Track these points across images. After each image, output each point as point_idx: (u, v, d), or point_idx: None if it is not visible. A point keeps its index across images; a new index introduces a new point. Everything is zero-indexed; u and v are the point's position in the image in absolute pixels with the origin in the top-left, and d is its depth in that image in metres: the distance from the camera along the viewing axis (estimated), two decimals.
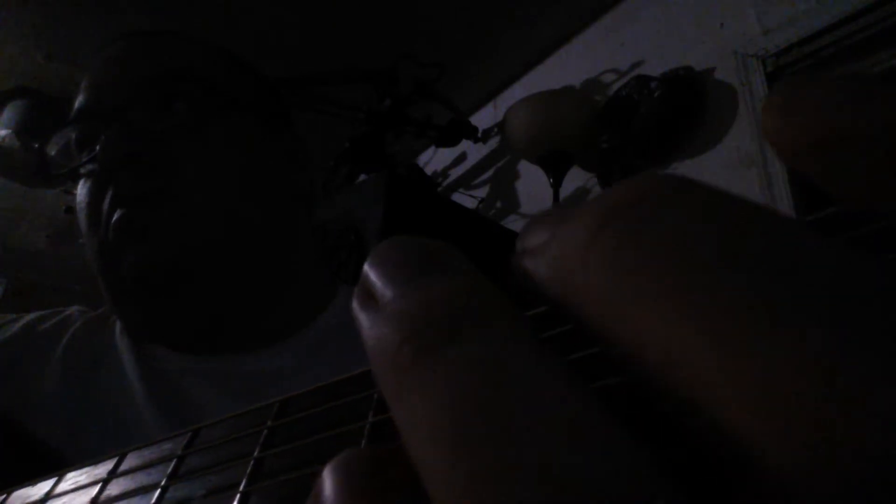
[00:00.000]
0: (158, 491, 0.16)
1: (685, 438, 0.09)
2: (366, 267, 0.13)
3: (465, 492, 0.09)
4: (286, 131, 0.59)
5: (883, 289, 0.08)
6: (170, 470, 0.17)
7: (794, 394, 0.08)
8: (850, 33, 1.26)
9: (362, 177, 1.67)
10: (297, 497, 0.14)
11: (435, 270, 0.12)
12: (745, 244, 0.09)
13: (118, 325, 0.55)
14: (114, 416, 0.48)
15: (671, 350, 0.09)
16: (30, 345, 0.54)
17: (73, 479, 0.20)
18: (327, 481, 0.12)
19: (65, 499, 0.19)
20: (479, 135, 1.88)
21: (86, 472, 0.19)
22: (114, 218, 0.47)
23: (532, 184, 1.79)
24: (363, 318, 0.12)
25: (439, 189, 2.00)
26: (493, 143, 1.98)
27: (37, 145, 0.55)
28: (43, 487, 0.20)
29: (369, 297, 0.12)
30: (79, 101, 0.52)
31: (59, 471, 0.21)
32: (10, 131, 1.82)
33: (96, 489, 0.18)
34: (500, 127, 1.87)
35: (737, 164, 1.35)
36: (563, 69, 1.83)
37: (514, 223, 1.79)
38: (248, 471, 0.15)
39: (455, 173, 2.10)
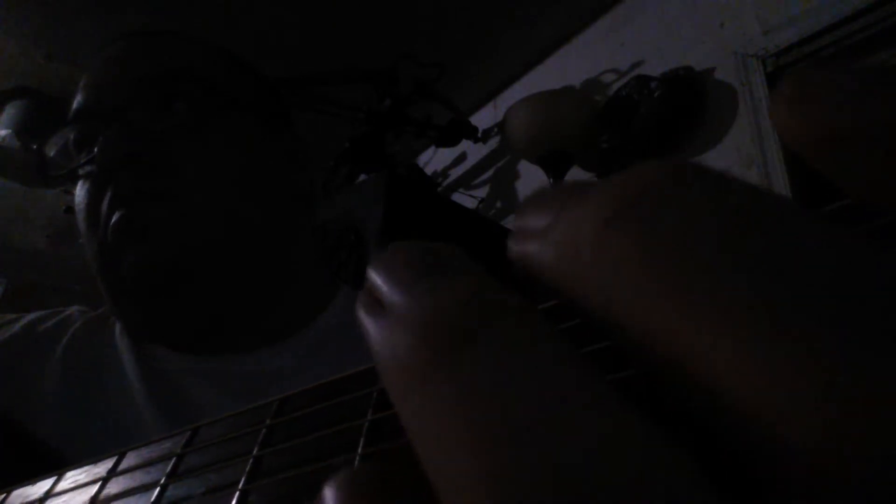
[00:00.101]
0: (158, 489, 0.16)
1: (695, 431, 0.09)
2: (370, 272, 0.13)
3: (486, 496, 0.09)
4: (286, 131, 0.59)
5: (884, 287, 0.08)
6: (169, 468, 0.17)
7: (793, 396, 0.08)
8: (850, 33, 1.26)
9: (362, 177, 1.67)
10: (296, 495, 0.14)
11: (443, 272, 0.12)
12: (745, 243, 0.09)
13: (118, 325, 0.55)
14: (114, 416, 0.48)
15: (674, 344, 0.09)
16: (30, 345, 0.54)
17: (72, 477, 0.20)
18: (329, 497, 0.11)
19: (64, 497, 0.19)
20: (479, 135, 1.88)
21: (85, 471, 0.19)
22: (113, 219, 0.47)
23: (532, 184, 1.79)
24: (370, 324, 0.12)
25: (439, 189, 2.00)
26: (493, 143, 1.98)
27: (35, 146, 0.55)
28: (43, 486, 0.20)
29: (375, 303, 0.12)
30: (77, 101, 0.52)
31: (58, 470, 0.21)
32: (10, 131, 1.82)
33: (96, 488, 0.18)
34: (500, 127, 1.87)
35: (737, 164, 1.35)
36: (563, 69, 1.83)
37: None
38: (248, 469, 0.15)
39: (455, 173, 2.10)
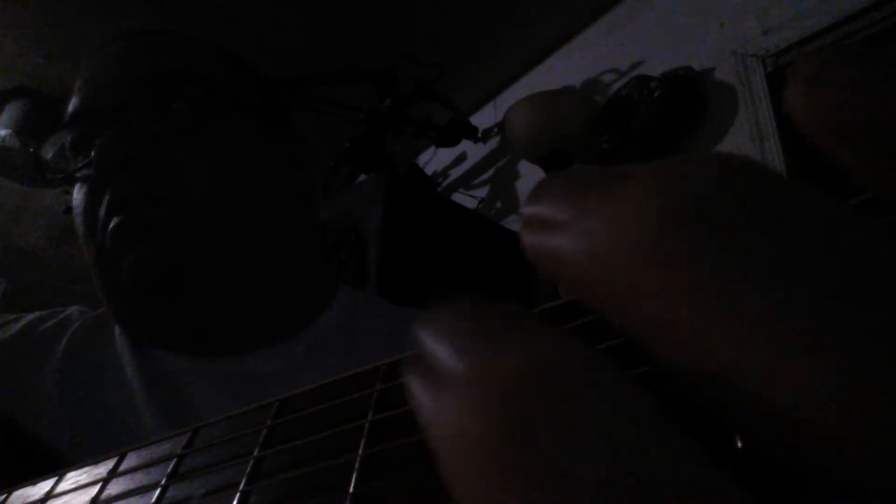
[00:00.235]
0: (158, 490, 0.16)
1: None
2: (423, 337, 0.11)
3: None
4: (286, 131, 0.59)
5: (889, 288, 0.08)
6: (169, 469, 0.17)
7: (797, 398, 0.08)
8: (851, 33, 1.26)
9: (362, 177, 1.67)
10: (296, 496, 0.14)
11: (510, 335, 0.10)
12: (812, 250, 0.09)
13: (118, 326, 0.55)
14: (114, 417, 0.47)
15: (731, 351, 0.09)
16: (30, 345, 0.54)
17: (73, 478, 0.20)
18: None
19: (65, 498, 0.19)
20: (479, 135, 1.88)
21: (86, 472, 0.19)
22: (111, 224, 0.46)
23: (532, 184, 1.79)
24: (425, 396, 0.11)
25: (439, 189, 2.00)
26: (493, 143, 1.98)
27: (32, 149, 0.54)
28: (43, 487, 0.20)
29: (429, 371, 0.11)
30: (74, 102, 0.52)
31: (59, 470, 0.21)
32: (10, 131, 1.82)
33: (96, 489, 0.18)
34: (500, 127, 1.87)
35: None
36: (563, 69, 1.83)
37: (514, 223, 1.78)
38: (248, 470, 0.15)
39: (455, 173, 2.10)
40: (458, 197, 1.91)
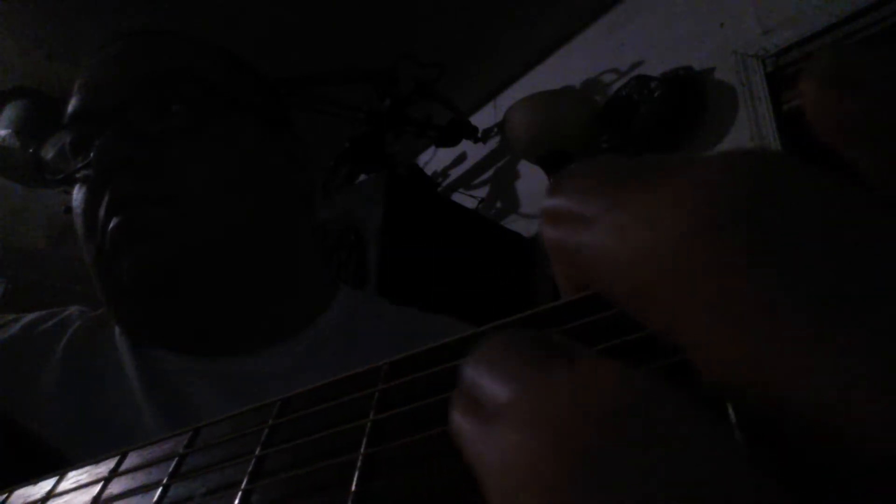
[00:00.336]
0: (160, 489, 0.16)
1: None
2: (466, 368, 0.11)
3: None
4: (286, 131, 0.59)
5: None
6: (171, 468, 0.17)
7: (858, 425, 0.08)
8: (850, 33, 1.26)
9: (362, 177, 1.67)
10: (298, 495, 0.14)
11: (562, 364, 0.10)
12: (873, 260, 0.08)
13: (118, 326, 0.55)
14: (114, 417, 0.47)
15: (780, 365, 0.08)
16: (30, 345, 0.54)
17: (74, 477, 0.20)
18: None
19: (66, 497, 0.19)
20: (479, 135, 1.88)
21: (87, 471, 0.19)
22: (111, 225, 0.46)
23: (532, 184, 1.79)
24: (470, 428, 0.10)
25: (439, 189, 2.00)
26: (493, 143, 1.98)
27: (31, 150, 0.54)
28: (44, 486, 0.20)
29: (474, 403, 0.10)
30: (74, 103, 0.52)
31: (60, 470, 0.21)
32: (10, 131, 1.82)
33: (98, 488, 0.18)
34: (500, 127, 1.87)
35: None
36: (563, 69, 1.83)
37: (514, 223, 1.78)
38: (250, 469, 0.15)
39: (455, 173, 2.09)
40: (458, 197, 1.91)
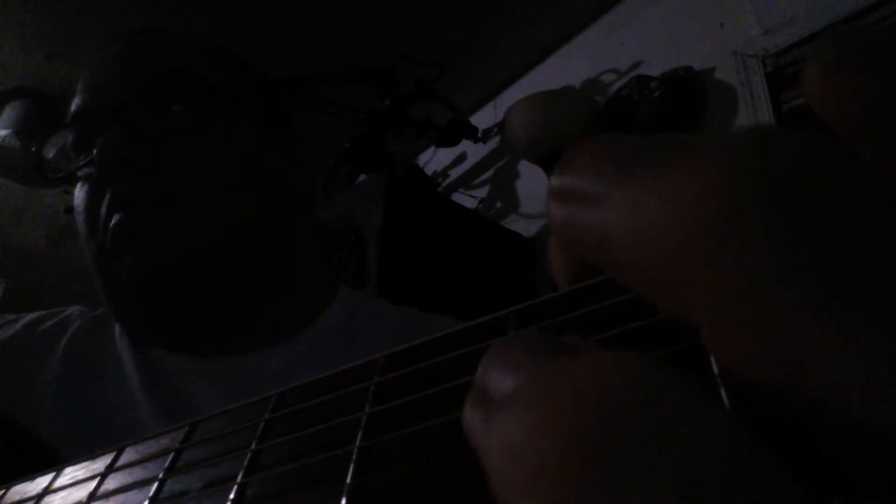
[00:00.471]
0: (156, 484, 0.16)
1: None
2: (481, 368, 0.11)
3: None
4: (286, 131, 0.59)
5: None
6: (167, 463, 0.17)
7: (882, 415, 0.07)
8: None
9: (362, 177, 1.67)
10: (294, 488, 0.14)
11: (563, 355, 0.10)
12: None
13: (118, 326, 0.55)
14: (114, 416, 0.47)
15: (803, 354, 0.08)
16: (30, 345, 0.54)
17: (71, 473, 0.20)
18: None
19: (63, 493, 0.19)
20: (479, 135, 1.88)
21: (84, 467, 0.19)
22: (112, 222, 0.47)
23: (532, 184, 1.79)
24: (479, 423, 0.10)
25: (439, 189, 2.00)
26: (493, 143, 1.98)
27: (34, 148, 0.55)
28: (41, 482, 0.20)
29: (486, 400, 0.10)
30: (76, 103, 0.52)
31: (57, 466, 0.21)
32: (10, 131, 1.82)
33: (94, 483, 0.18)
34: (500, 127, 1.86)
35: None
36: (563, 69, 1.83)
37: (514, 223, 1.78)
38: (246, 463, 0.15)
39: (455, 173, 2.09)
40: (458, 197, 1.91)
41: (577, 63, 1.79)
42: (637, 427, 0.08)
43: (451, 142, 1.82)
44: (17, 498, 0.20)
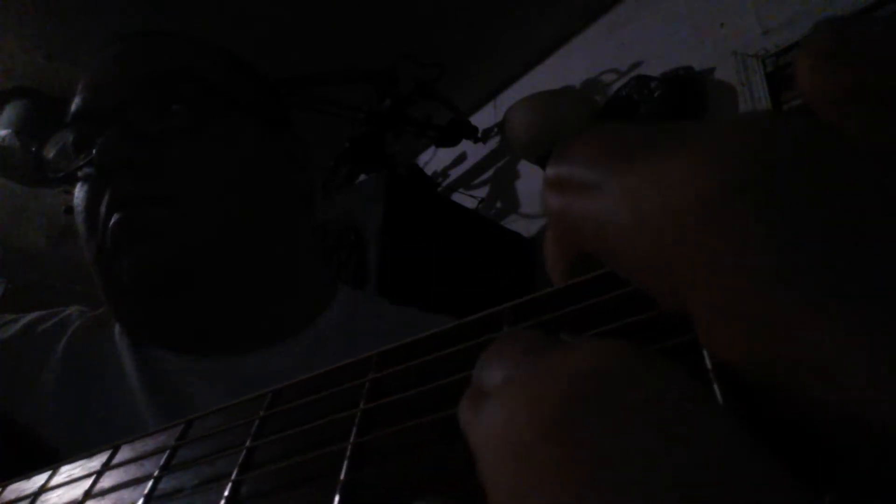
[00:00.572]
0: (151, 482, 0.16)
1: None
2: (477, 366, 0.11)
3: None
4: (286, 131, 0.59)
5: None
6: (162, 461, 0.17)
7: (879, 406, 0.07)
8: None
9: (362, 177, 1.67)
10: (287, 485, 0.14)
11: (550, 349, 0.10)
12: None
13: (118, 326, 0.55)
14: (114, 417, 0.47)
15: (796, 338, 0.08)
16: (29, 345, 0.54)
17: (67, 472, 0.20)
18: None
19: (59, 491, 0.19)
20: (479, 135, 1.88)
21: (80, 465, 0.19)
22: (111, 222, 0.47)
23: (532, 184, 1.79)
24: (472, 416, 0.10)
25: (439, 189, 2.00)
26: (493, 143, 1.98)
27: (34, 148, 0.55)
28: (38, 481, 0.20)
29: (479, 395, 0.10)
30: (76, 103, 0.52)
31: (53, 464, 0.21)
32: (10, 131, 1.82)
33: (90, 481, 0.18)
34: (500, 127, 1.86)
35: None
36: (563, 69, 1.83)
37: (514, 223, 1.78)
38: (240, 460, 0.15)
39: (455, 173, 2.09)
40: (458, 197, 1.91)
41: (577, 63, 1.79)
42: (619, 419, 0.08)
43: (451, 142, 1.82)
44: (13, 496, 0.20)
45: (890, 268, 0.08)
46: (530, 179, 1.81)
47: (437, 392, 0.12)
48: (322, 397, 0.15)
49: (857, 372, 0.07)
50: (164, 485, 0.16)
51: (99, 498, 0.17)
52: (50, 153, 0.53)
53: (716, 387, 0.09)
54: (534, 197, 1.79)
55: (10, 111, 1.84)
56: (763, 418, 0.09)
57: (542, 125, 1.59)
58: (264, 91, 0.59)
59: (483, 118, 2.01)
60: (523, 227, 1.74)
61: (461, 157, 2.08)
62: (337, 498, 0.12)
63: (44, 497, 0.19)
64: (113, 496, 0.17)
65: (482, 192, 1.95)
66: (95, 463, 0.19)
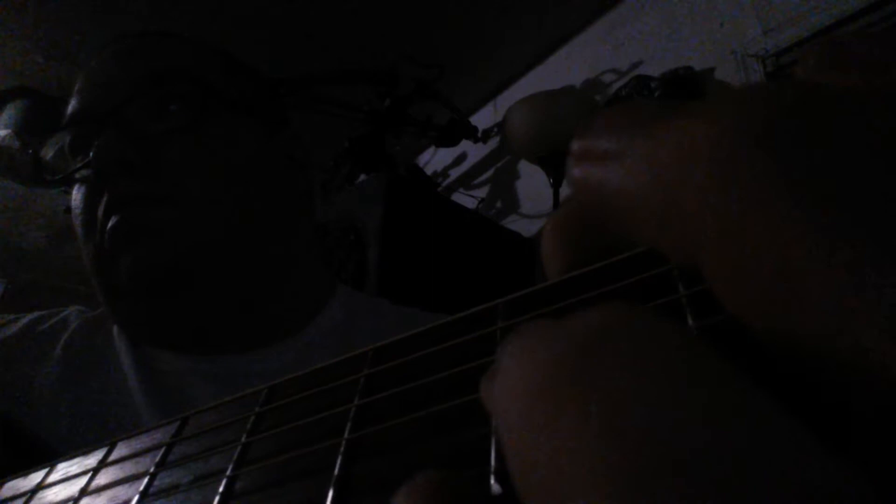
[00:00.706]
0: (147, 478, 0.16)
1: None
2: (499, 348, 0.11)
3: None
4: (286, 131, 0.59)
5: None
6: (158, 458, 0.17)
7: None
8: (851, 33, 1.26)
9: (362, 177, 1.67)
10: (282, 480, 0.14)
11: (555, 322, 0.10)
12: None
13: (116, 326, 0.55)
14: (112, 416, 0.47)
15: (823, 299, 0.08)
16: (29, 345, 0.54)
17: (63, 469, 0.20)
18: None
19: (56, 489, 0.19)
20: (479, 135, 1.88)
21: (76, 463, 0.19)
22: (109, 224, 0.47)
23: (532, 184, 1.79)
24: (485, 388, 0.10)
25: (439, 189, 2.00)
26: (493, 143, 1.98)
27: (31, 150, 0.55)
28: (34, 478, 0.20)
29: (496, 371, 0.10)
30: (73, 103, 0.52)
31: (50, 462, 0.21)
32: (10, 131, 1.82)
33: (86, 478, 0.18)
34: (500, 127, 1.87)
35: None
36: (563, 69, 1.83)
37: (514, 223, 1.78)
38: (235, 456, 0.15)
39: (455, 173, 2.09)
40: (458, 197, 1.91)
41: (577, 63, 1.79)
42: (632, 356, 0.08)
43: (451, 142, 1.82)
44: (10, 494, 0.20)
45: (889, 214, 0.08)
46: (530, 179, 1.81)
47: (432, 387, 0.12)
48: (317, 393, 0.15)
49: (875, 325, 0.07)
50: (160, 481, 0.16)
51: (95, 495, 0.17)
52: (48, 154, 0.53)
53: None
54: (534, 197, 1.79)
55: (10, 111, 1.84)
56: (773, 371, 0.09)
57: (542, 125, 1.59)
58: (263, 91, 0.59)
59: (483, 118, 2.02)
60: (523, 227, 1.74)
61: (461, 157, 2.08)
62: (331, 492, 0.12)
63: (41, 494, 0.19)
64: (109, 493, 0.17)
65: (482, 192, 1.95)
66: (92, 460, 0.19)
